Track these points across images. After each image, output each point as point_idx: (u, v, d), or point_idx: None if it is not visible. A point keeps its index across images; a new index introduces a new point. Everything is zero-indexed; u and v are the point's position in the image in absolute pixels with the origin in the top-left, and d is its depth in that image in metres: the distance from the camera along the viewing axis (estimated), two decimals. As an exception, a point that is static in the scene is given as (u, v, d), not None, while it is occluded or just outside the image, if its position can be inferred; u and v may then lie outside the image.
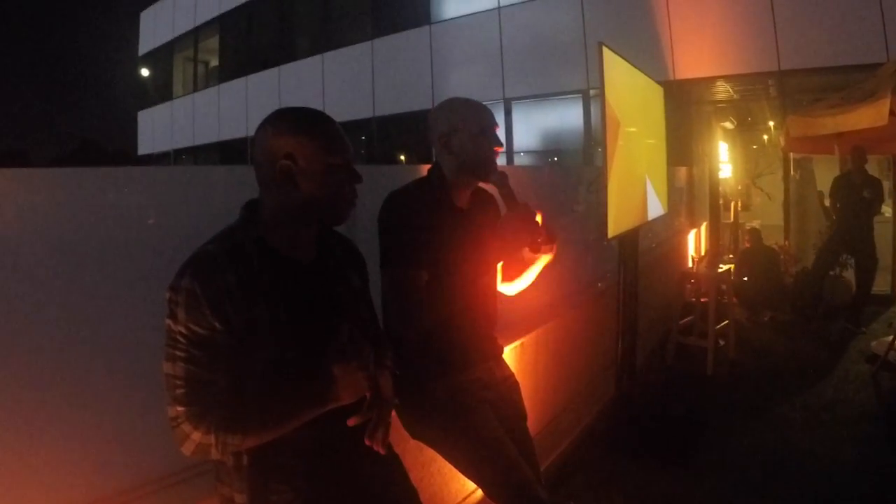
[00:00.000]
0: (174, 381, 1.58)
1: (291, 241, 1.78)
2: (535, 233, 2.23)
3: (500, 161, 2.66)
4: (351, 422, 1.72)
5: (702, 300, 7.08)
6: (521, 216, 2.22)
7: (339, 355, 1.68)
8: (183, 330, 1.58)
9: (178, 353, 1.59)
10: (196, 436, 1.57)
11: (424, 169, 2.61)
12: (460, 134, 2.46)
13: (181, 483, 2.11)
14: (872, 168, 10.17)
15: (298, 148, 1.69)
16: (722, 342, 6.88)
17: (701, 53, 11.23)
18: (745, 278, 8.72)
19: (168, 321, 1.61)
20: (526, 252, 2.57)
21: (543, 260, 2.62)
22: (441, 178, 2.49)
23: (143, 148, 28.69)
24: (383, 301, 2.32)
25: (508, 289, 2.80)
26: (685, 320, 7.03)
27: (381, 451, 1.79)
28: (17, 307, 1.81)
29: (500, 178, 2.37)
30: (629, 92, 4.72)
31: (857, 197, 7.94)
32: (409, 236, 2.32)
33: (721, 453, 4.60)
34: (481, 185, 2.57)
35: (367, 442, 1.76)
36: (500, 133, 2.55)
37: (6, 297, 1.79)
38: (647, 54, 10.97)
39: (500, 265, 2.74)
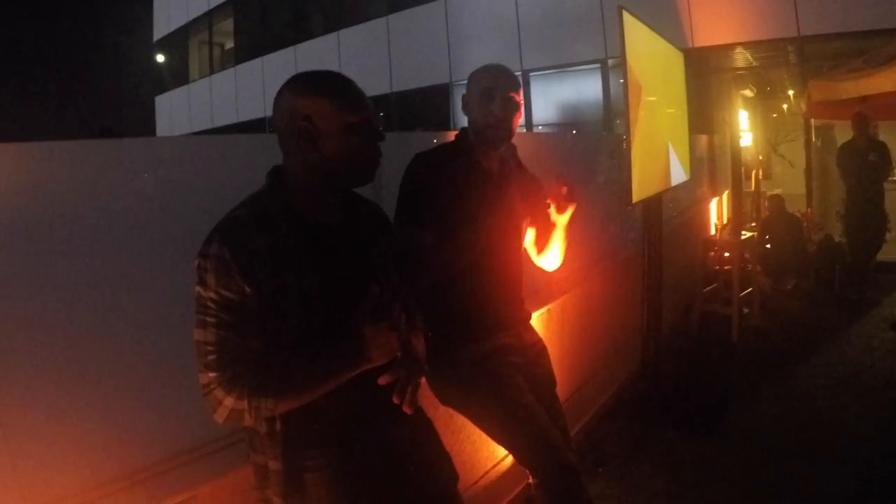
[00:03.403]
0: (205, 347, 1.59)
1: (318, 205, 1.78)
2: (538, 203, 2.23)
3: (520, 131, 2.65)
4: (382, 380, 1.72)
5: (725, 268, 7.04)
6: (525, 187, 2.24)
7: (369, 316, 1.68)
8: (213, 296, 1.59)
9: (208, 319, 1.59)
10: (229, 401, 1.58)
11: (452, 135, 2.62)
12: (470, 98, 2.48)
13: (215, 453, 2.12)
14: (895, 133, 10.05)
15: (315, 109, 1.69)
16: (746, 310, 6.84)
17: (719, 20, 11.08)
18: (768, 246, 8.66)
19: (198, 288, 1.61)
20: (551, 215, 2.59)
21: (562, 221, 2.62)
22: (466, 140, 2.50)
23: (162, 132, 28.73)
24: None
25: (547, 261, 2.79)
26: (709, 288, 6.99)
27: (408, 412, 1.78)
28: (39, 284, 1.81)
29: (508, 150, 2.37)
30: (650, 57, 4.67)
31: (863, 161, 7.90)
32: (419, 196, 2.34)
33: (747, 420, 4.59)
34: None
35: (395, 400, 1.75)
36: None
37: (33, 274, 1.79)
38: (666, 22, 10.82)
39: (531, 238, 2.74)
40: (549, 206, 2.40)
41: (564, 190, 2.48)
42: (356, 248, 1.85)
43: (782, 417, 4.62)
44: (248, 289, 1.59)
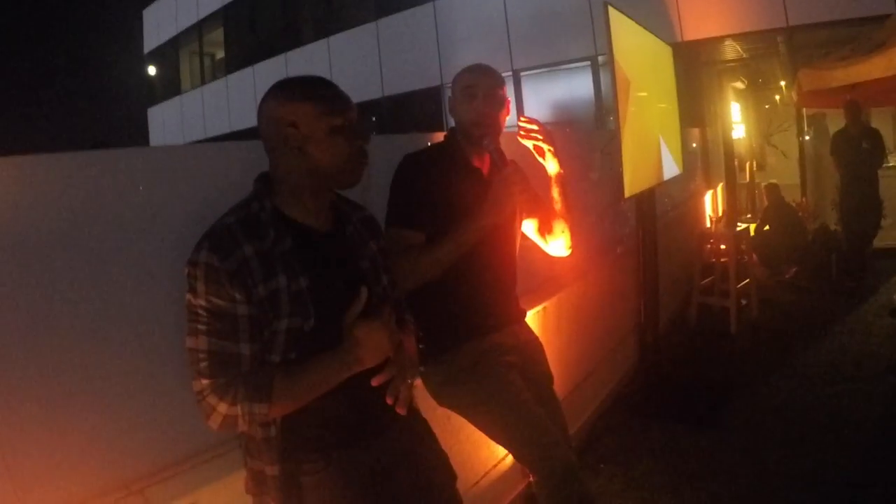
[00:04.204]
0: (197, 354, 1.60)
1: (306, 209, 1.79)
2: (523, 192, 2.23)
3: (511, 131, 2.65)
4: (375, 382, 1.73)
5: (721, 260, 7.04)
6: (507, 177, 2.22)
7: (360, 318, 1.69)
8: (203, 303, 1.59)
9: (199, 326, 1.60)
10: (222, 407, 1.58)
11: (437, 137, 2.63)
12: (455, 99, 2.50)
13: (212, 460, 2.11)
14: (887, 120, 10.06)
15: (300, 114, 1.71)
16: (744, 301, 6.84)
17: (708, 13, 11.08)
18: (769, 233, 8.65)
19: (188, 296, 1.62)
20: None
21: (552, 168, 2.66)
22: (456, 139, 2.51)
23: (155, 144, 28.75)
24: None
25: (556, 246, 2.78)
26: (706, 281, 6.99)
27: (402, 412, 1.79)
28: (35, 296, 1.81)
29: (489, 145, 2.36)
30: (638, 52, 4.68)
31: (857, 149, 7.92)
32: (411, 196, 2.34)
33: (748, 412, 4.59)
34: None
35: (388, 400, 1.76)
36: (511, 105, 2.54)
37: (24, 287, 1.79)
38: (654, 17, 10.79)
39: (535, 227, 2.74)
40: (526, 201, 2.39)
41: (532, 126, 2.51)
42: (346, 252, 1.85)
43: (783, 407, 4.61)
44: (237, 295, 1.60)
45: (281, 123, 1.71)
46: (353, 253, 1.88)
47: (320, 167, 1.73)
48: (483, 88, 2.44)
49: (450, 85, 2.61)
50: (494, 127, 2.46)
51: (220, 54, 25.03)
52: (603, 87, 13.01)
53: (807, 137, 10.72)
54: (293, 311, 1.67)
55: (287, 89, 1.75)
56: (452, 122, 2.58)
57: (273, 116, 1.72)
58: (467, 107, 2.43)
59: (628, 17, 4.36)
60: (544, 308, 3.71)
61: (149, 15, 28.72)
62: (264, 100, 1.76)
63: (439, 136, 2.66)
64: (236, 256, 1.61)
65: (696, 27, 11.26)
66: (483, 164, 2.53)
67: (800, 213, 9.25)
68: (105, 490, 1.91)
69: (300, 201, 1.78)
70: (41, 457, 1.79)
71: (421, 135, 3.00)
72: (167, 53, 27.74)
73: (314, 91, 1.74)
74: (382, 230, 2.11)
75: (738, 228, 6.98)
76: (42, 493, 1.79)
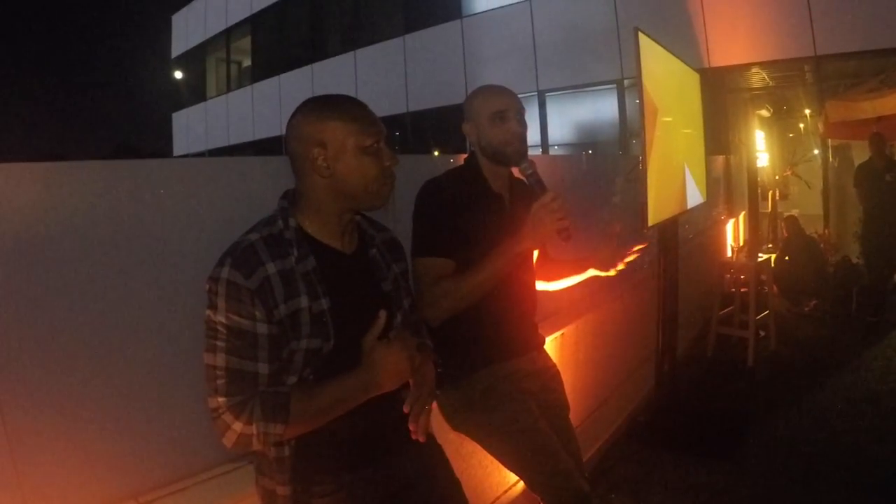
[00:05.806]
0: (215, 371, 1.58)
1: (330, 229, 1.77)
2: (562, 220, 2.18)
3: (535, 152, 2.63)
4: (406, 408, 1.74)
5: (741, 290, 6.98)
6: (548, 204, 2.18)
7: (379, 341, 1.67)
8: (223, 320, 1.58)
9: (218, 343, 1.59)
10: (237, 426, 1.57)
11: (462, 159, 2.61)
12: (476, 121, 2.47)
13: (223, 475, 2.10)
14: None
15: (328, 134, 1.69)
16: (762, 333, 6.77)
17: (735, 40, 11.04)
18: (789, 264, 8.57)
19: (208, 312, 1.61)
20: (570, 257, 2.59)
21: (590, 273, 2.67)
22: (476, 165, 2.49)
23: (179, 149, 28.98)
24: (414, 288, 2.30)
25: (544, 286, 2.78)
26: (725, 311, 6.92)
27: (422, 439, 1.78)
28: (53, 305, 1.81)
29: (527, 166, 2.33)
30: (666, 78, 4.65)
31: (880, 182, 7.83)
32: (438, 224, 2.31)
33: (762, 445, 4.52)
34: (515, 173, 2.53)
35: (410, 426, 1.74)
36: (534, 126, 2.53)
37: (41, 293, 1.79)
38: (681, 42, 10.77)
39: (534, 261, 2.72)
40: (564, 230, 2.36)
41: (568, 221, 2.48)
42: (368, 274, 1.84)
43: (799, 442, 4.55)
44: (258, 314, 1.58)
45: (309, 142, 1.69)
46: (375, 275, 1.86)
47: (346, 187, 1.72)
48: (514, 110, 2.43)
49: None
50: (526, 145, 2.45)
51: (247, 62, 25.22)
52: (628, 110, 13.00)
53: (834, 165, 10.64)
54: (313, 332, 1.65)
55: (317, 107, 1.73)
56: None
57: (301, 134, 1.71)
58: (501, 129, 2.41)
59: (657, 42, 4.34)
60: (563, 334, 3.69)
61: (178, 20, 28.99)
62: (293, 117, 1.74)
63: (461, 159, 2.65)
64: (258, 274, 1.59)
65: (724, 54, 11.23)
66: (503, 189, 2.52)
67: (821, 245, 9.17)
68: (114, 499, 1.91)
69: (325, 221, 1.76)
70: (52, 464, 1.79)
71: (444, 157, 2.99)
72: (194, 59, 27.98)
73: (345, 110, 1.73)
74: (405, 252, 2.09)
75: (760, 259, 6.92)
76: (52, 500, 1.78)
